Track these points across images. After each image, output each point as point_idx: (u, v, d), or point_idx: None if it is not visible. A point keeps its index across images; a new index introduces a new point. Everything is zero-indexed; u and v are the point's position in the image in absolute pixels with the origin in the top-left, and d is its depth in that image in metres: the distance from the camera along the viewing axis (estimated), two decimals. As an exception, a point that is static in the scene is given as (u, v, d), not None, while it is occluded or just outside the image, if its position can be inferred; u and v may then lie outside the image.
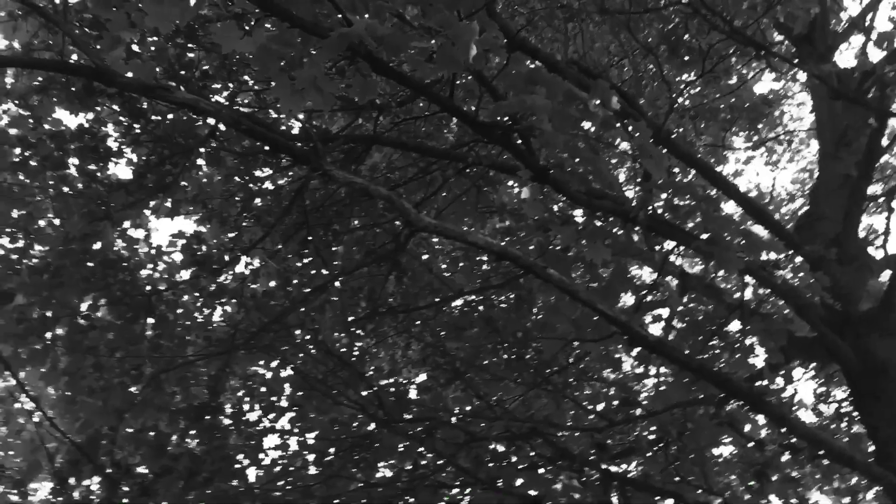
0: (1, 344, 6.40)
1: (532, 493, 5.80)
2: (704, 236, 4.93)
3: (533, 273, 3.49)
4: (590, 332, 5.12)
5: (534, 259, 4.25)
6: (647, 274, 8.00)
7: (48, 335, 6.43)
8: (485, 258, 7.64)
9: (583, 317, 5.11)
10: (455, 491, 6.97)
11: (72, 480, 6.41)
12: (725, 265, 4.83)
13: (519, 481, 6.11)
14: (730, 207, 8.70)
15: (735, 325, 5.86)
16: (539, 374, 6.40)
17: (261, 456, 6.69)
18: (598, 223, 5.34)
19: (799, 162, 11.43)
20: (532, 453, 5.86)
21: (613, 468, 5.57)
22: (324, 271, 7.15)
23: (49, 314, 6.48)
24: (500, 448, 6.43)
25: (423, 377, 7.91)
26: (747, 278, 5.63)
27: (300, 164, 3.77)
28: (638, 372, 6.81)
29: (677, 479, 5.25)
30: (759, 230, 5.93)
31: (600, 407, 7.11)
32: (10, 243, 6.53)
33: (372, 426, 6.92)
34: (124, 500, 6.40)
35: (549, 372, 6.16)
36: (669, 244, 5.84)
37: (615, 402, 7.00)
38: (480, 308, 7.63)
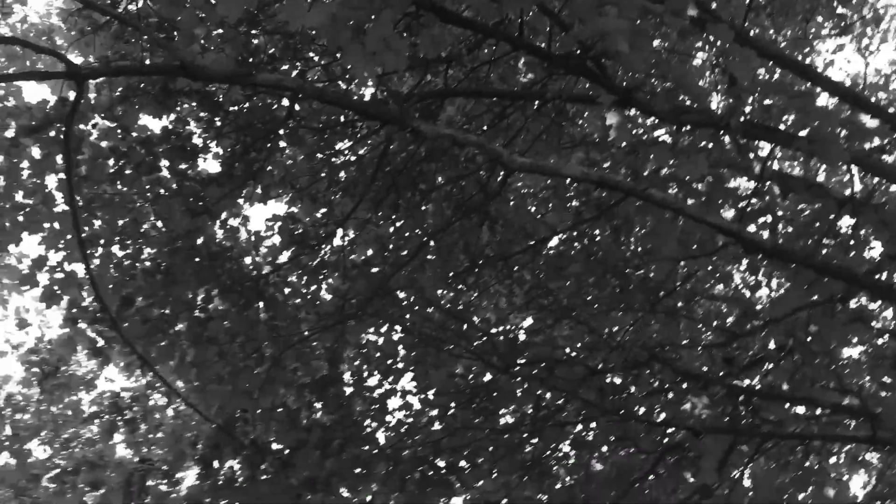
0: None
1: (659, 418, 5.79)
2: (803, 133, 4.75)
3: (634, 196, 3.44)
4: (696, 250, 5.03)
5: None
6: (745, 183, 7.75)
7: (171, 331, 6.73)
8: (574, 194, 7.57)
9: (688, 235, 5.02)
10: (579, 428, 7.04)
11: (215, 464, 6.77)
12: (829, 159, 4.66)
13: (641, 411, 6.12)
14: (825, 101, 8.31)
15: (846, 221, 5.66)
16: (647, 301, 6.34)
17: (387, 418, 6.89)
18: (689, 138, 5.22)
19: (892, 42, 10.79)
20: (653, 380, 5.83)
21: (739, 383, 5.50)
22: (417, 231, 7.23)
23: (168, 311, 6.78)
24: (618, 380, 6.44)
25: (530, 321, 7.96)
26: (854, 169, 5.41)
27: (388, 124, 3.80)
28: (751, 282, 6.66)
29: (808, 384, 5.15)
30: (860, 118, 5.66)
31: (713, 333, 7.00)
32: (121, 250, 6.83)
33: (488, 375, 7.03)
34: (265, 477, 6.74)
35: (662, 295, 6.09)
36: (767, 149, 5.66)
37: (729, 320, 6.88)
38: (577, 245, 7.59)
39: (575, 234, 7.56)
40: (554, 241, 7.75)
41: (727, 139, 5.45)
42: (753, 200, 5.54)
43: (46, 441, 8.05)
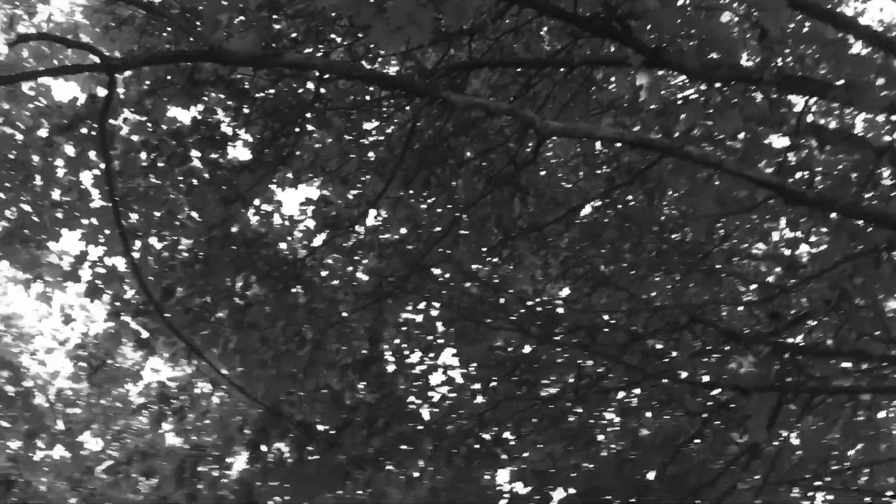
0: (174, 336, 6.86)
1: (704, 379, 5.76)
2: (838, 83, 4.65)
3: (671, 154, 3.40)
4: (734, 208, 4.97)
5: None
6: (780, 138, 7.63)
7: (213, 319, 6.81)
8: (604, 160, 7.51)
9: (725, 192, 4.96)
10: (622, 395, 7.03)
11: (263, 447, 6.87)
12: (867, 107, 4.57)
13: (685, 374, 6.08)
14: (858, 49, 8.11)
15: (886, 171, 5.55)
16: (686, 262, 6.28)
17: (429, 394, 6.93)
18: (721, 95, 5.13)
19: (923, -14, 10.50)
20: (695, 342, 5.79)
21: (784, 340, 5.44)
22: (449, 207, 7.23)
23: (208, 300, 6.86)
24: (660, 345, 6.40)
25: (567, 291, 7.93)
26: (894, 117, 5.30)
27: (418, 97, 3.79)
28: (792, 238, 6.55)
29: (855, 338, 5.08)
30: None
31: (755, 290, 6.92)
32: (158, 242, 6.92)
33: (528, 347, 7.04)
34: (313, 458, 6.83)
35: (700, 256, 6.04)
36: (801, 103, 5.55)
37: (770, 279, 6.80)
38: (610, 211, 7.54)
39: (607, 200, 7.50)
40: (587, 210, 7.71)
41: (759, 94, 5.36)
42: (790, 155, 5.45)
43: (98, 433, 8.24)
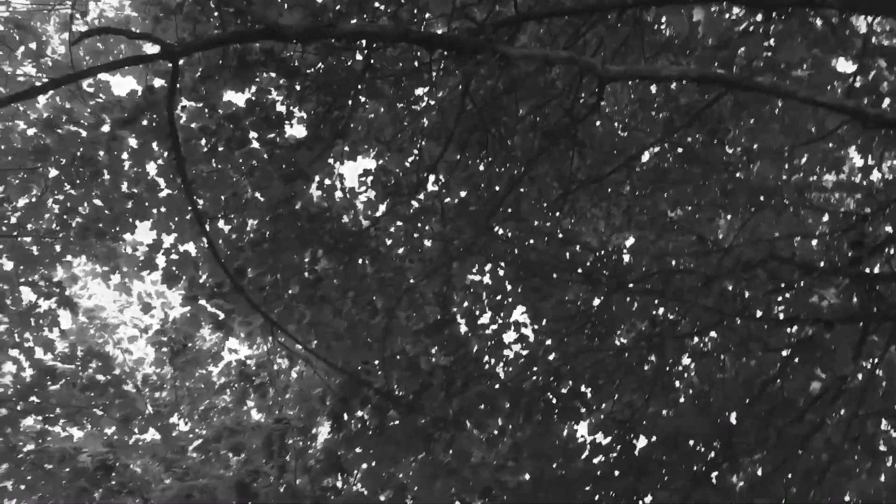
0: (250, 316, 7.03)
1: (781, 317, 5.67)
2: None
3: (740, 88, 3.32)
4: (804, 138, 4.83)
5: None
6: (846, 63, 7.37)
7: (285, 296, 6.95)
8: (661, 104, 7.36)
9: (791, 124, 4.83)
10: (695, 340, 6.96)
11: (345, 416, 7.02)
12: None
13: (761, 314, 5.99)
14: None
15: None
16: (753, 200, 6.16)
17: (504, 352, 6.97)
18: (782, 25, 4.98)
19: None
20: (771, 279, 5.68)
21: (864, 270, 5.30)
22: (507, 165, 7.20)
23: (279, 277, 6.99)
24: (733, 285, 6.30)
25: (632, 240, 7.86)
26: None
27: (472, 54, 3.77)
28: (861, 165, 6.35)
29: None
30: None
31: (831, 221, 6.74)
32: (226, 225, 7.06)
33: (598, 300, 7.00)
34: (394, 423, 6.95)
35: (770, 191, 5.90)
36: (865, 27, 5.35)
37: (843, 211, 6.61)
38: (670, 157, 7.41)
39: (668, 144, 7.38)
40: (646, 156, 7.59)
41: (820, 21, 5.18)
42: (857, 79, 5.28)
43: (185, 414, 8.54)
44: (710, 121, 6.59)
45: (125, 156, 6.87)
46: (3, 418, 7.85)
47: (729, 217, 6.54)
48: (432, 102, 7.57)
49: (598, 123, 7.79)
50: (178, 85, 4.24)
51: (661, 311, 6.93)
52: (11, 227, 6.84)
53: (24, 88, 6.19)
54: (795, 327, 5.62)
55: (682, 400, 7.24)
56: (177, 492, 7.01)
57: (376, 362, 7.20)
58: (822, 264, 5.92)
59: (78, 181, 6.73)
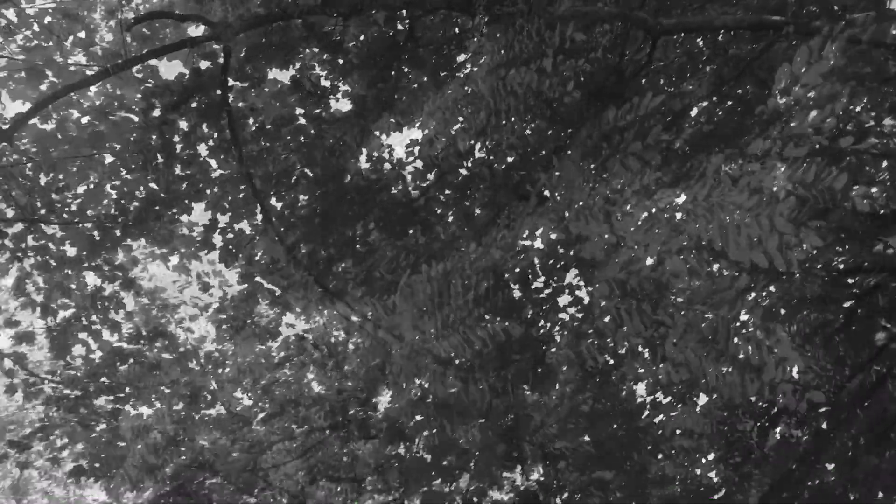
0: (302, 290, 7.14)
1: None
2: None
3: (799, 32, 3.23)
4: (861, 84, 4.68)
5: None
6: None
7: (339, 269, 7.03)
8: (708, 58, 7.20)
9: (847, 68, 4.68)
10: (752, 295, 6.84)
11: (404, 385, 7.10)
12: None
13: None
14: None
15: None
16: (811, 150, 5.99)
17: (560, 316, 6.96)
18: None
19: None
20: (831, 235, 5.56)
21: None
22: (554, 127, 7.13)
23: (333, 251, 7.07)
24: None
25: (683, 198, 7.74)
26: None
27: (521, 15, 3.72)
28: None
29: None
30: None
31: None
32: (277, 202, 7.15)
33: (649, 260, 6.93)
34: (453, 391, 7.01)
35: (826, 139, 5.74)
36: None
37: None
38: (720, 111, 7.26)
39: (715, 98, 7.23)
40: (695, 112, 7.45)
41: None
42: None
43: (248, 389, 8.72)
44: (761, 69, 6.44)
45: (177, 138, 6.97)
46: (76, 399, 8.13)
47: (783, 168, 6.37)
48: (475, 69, 7.53)
49: (643, 81, 7.66)
50: (230, 63, 4.27)
51: (715, 267, 6.85)
52: (72, 214, 7.02)
53: (77, 78, 6.33)
54: (858, 277, 5.50)
55: (740, 356, 7.17)
56: (244, 463, 7.20)
57: (432, 331, 7.26)
58: (882, 212, 5.77)
59: (133, 166, 6.87)
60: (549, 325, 7.13)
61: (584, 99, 7.22)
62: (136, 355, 8.17)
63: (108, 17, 6.98)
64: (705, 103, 7.36)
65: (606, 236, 7.15)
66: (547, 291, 7.11)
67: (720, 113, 7.36)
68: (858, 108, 5.91)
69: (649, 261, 7.33)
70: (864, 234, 5.17)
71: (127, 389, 8.01)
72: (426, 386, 7.16)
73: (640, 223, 7.11)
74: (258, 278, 7.41)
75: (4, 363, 8.32)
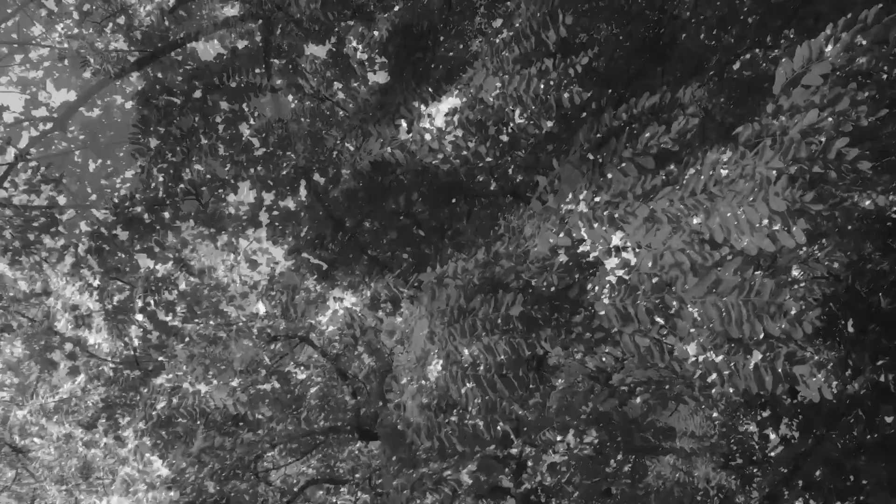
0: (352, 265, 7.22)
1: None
2: None
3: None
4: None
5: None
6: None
7: (384, 242, 7.08)
8: (749, 9, 7.04)
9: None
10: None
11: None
12: None
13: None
14: None
15: None
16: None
17: (607, 279, 6.92)
18: None
19: None
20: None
21: None
22: (595, 86, 7.07)
23: (378, 224, 7.13)
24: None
25: (728, 154, 7.62)
26: None
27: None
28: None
29: None
30: None
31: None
32: (320, 176, 7.21)
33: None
34: (503, 357, 7.05)
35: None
36: None
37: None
38: (764, 65, 7.12)
39: (757, 50, 7.08)
40: (737, 66, 7.31)
41: None
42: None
43: (300, 363, 8.90)
44: (807, 18, 6.28)
45: (218, 119, 7.06)
46: (135, 379, 8.36)
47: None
48: (511, 34, 7.46)
49: (683, 36, 7.52)
50: (272, 41, 4.30)
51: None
52: (122, 199, 7.17)
53: (119, 63, 6.42)
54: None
55: (793, 312, 7.08)
56: (300, 435, 7.36)
57: (478, 298, 7.28)
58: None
59: (178, 148, 6.97)
60: (597, 288, 7.10)
61: (624, 57, 7.12)
62: (192, 333, 8.37)
63: (145, 2, 7.06)
64: (748, 55, 7.22)
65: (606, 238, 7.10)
66: (594, 254, 7.07)
67: (763, 65, 7.21)
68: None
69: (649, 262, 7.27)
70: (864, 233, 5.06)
71: (184, 367, 8.21)
72: (477, 353, 7.21)
73: (640, 223, 7.04)
74: (305, 254, 7.49)
75: (66, 346, 8.59)
